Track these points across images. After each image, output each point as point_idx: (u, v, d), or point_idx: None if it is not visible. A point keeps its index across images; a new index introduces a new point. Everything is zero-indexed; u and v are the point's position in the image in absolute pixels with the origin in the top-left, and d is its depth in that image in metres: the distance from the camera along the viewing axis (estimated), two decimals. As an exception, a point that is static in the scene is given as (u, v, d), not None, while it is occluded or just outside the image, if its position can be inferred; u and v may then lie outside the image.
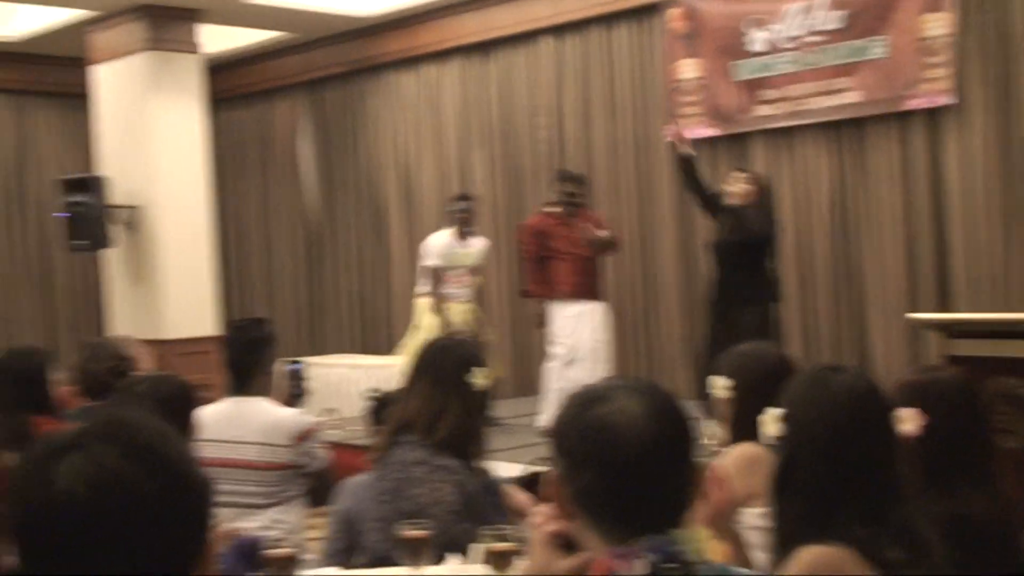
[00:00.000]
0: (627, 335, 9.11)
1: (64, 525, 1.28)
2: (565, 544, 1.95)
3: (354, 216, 11.25)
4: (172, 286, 9.56)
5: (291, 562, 2.69)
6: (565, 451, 1.76)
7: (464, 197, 8.38)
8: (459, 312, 8.13)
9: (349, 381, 9.13)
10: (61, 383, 4.54)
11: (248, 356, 4.26)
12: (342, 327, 11.35)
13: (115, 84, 9.86)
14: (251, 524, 4.03)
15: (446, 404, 3.18)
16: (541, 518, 1.97)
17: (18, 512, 1.32)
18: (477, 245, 8.28)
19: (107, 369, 4.58)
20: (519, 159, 9.93)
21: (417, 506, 3.12)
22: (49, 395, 4.38)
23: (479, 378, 3.17)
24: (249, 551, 2.88)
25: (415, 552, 2.72)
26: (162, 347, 9.29)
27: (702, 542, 1.73)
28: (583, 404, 1.77)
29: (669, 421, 1.74)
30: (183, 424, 3.15)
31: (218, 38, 10.66)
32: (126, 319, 9.79)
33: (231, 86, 11.86)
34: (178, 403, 3.15)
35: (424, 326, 8.08)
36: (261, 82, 11.80)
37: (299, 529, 4.18)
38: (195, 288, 9.61)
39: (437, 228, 10.34)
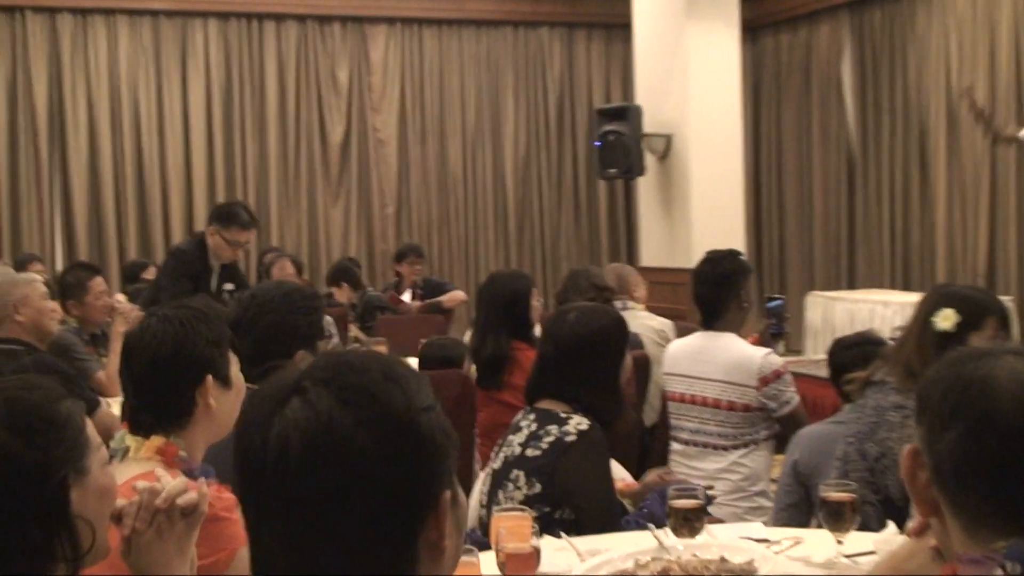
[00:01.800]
0: None
1: (275, 477, 1.14)
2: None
3: (896, 144, 10.60)
4: (701, 215, 9.51)
5: (697, 513, 2.50)
6: (928, 409, 1.41)
7: None
8: None
9: (877, 318, 8.64)
10: (539, 309, 4.64)
11: (718, 290, 4.09)
12: (877, 261, 10.77)
13: (654, 13, 9.91)
14: (712, 466, 3.90)
15: (904, 341, 2.99)
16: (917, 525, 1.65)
17: (237, 460, 1.19)
18: None
19: (586, 299, 4.60)
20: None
21: (883, 449, 2.94)
22: (529, 320, 4.49)
23: (942, 321, 2.87)
24: (664, 499, 2.74)
25: (836, 516, 2.43)
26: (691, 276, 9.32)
27: None
28: (959, 359, 1.42)
29: None
30: (614, 357, 3.03)
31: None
32: (656, 247, 9.93)
33: (770, 11, 11.57)
34: (608, 336, 3.01)
35: None
36: (802, 5, 11.39)
37: (762, 475, 3.96)
38: (725, 217, 9.49)
39: (980, 157, 9.50)
